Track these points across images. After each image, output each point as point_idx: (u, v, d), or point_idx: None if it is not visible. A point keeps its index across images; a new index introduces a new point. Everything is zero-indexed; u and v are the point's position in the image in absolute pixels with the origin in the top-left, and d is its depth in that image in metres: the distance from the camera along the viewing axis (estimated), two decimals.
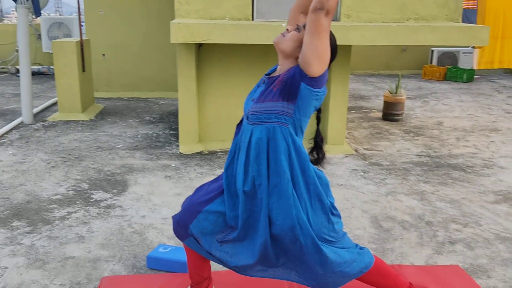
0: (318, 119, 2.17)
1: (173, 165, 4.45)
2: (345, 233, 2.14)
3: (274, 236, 2.01)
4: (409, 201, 3.69)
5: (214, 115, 4.97)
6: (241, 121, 2.16)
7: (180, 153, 4.78)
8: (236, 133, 2.17)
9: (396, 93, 6.32)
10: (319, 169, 2.10)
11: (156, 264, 2.70)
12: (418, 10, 4.46)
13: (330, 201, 2.05)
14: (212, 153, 4.81)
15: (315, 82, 1.89)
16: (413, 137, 5.59)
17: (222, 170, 4.36)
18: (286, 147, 1.95)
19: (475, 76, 10.37)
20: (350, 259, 2.06)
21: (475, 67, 8.14)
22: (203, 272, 2.28)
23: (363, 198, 3.74)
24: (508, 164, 4.64)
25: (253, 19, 4.51)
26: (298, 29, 1.99)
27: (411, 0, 4.44)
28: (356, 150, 5.00)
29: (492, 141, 5.43)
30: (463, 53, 10.58)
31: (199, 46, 4.77)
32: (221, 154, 4.77)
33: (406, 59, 10.96)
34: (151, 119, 6.19)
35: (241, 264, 2.07)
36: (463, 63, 10.51)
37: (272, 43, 2.09)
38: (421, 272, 2.65)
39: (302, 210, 1.96)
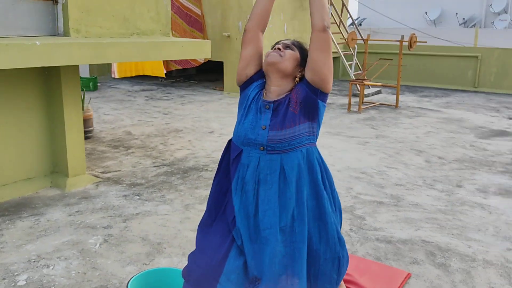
0: None
1: None
2: None
3: (311, 272, 1.93)
4: None
5: None
6: (238, 154, 1.89)
7: None
8: (235, 169, 1.88)
9: (83, 110, 5.98)
10: None
11: None
12: (139, 25, 4.47)
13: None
14: None
15: (327, 97, 1.94)
16: (127, 150, 5.55)
17: None
18: (319, 168, 1.91)
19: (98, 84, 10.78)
20: None
21: (116, 76, 8.58)
22: None
23: (174, 220, 3.63)
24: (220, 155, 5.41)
25: None
26: (291, 48, 1.94)
27: (132, 15, 4.38)
28: (97, 176, 4.57)
29: (189, 140, 6.10)
30: None
31: None
32: None
33: None
34: None
35: None
36: (84, 73, 10.67)
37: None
38: None
39: (336, 225, 1.98)
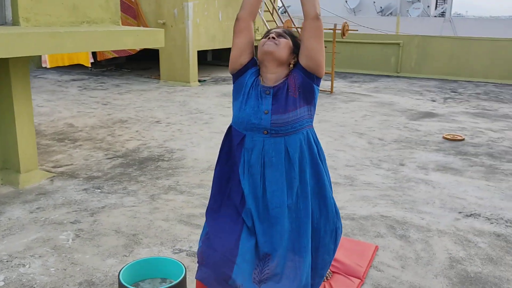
0: None
1: None
2: None
3: (313, 245, 2.07)
4: (182, 198, 3.89)
5: None
6: (242, 139, 1.97)
7: None
8: (239, 154, 1.96)
9: None
10: None
11: None
12: (88, 13, 4.32)
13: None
14: None
15: (320, 81, 2.07)
16: (74, 142, 5.36)
17: None
18: (316, 148, 2.04)
19: None
20: None
21: (48, 66, 8.17)
22: None
23: (144, 211, 3.62)
24: (173, 144, 5.41)
25: None
26: (284, 36, 2.03)
27: (81, 3, 4.22)
28: (49, 171, 4.40)
29: (137, 131, 6.00)
30: None
31: None
32: None
33: None
34: None
35: None
36: None
37: None
38: None
39: (333, 199, 2.13)
